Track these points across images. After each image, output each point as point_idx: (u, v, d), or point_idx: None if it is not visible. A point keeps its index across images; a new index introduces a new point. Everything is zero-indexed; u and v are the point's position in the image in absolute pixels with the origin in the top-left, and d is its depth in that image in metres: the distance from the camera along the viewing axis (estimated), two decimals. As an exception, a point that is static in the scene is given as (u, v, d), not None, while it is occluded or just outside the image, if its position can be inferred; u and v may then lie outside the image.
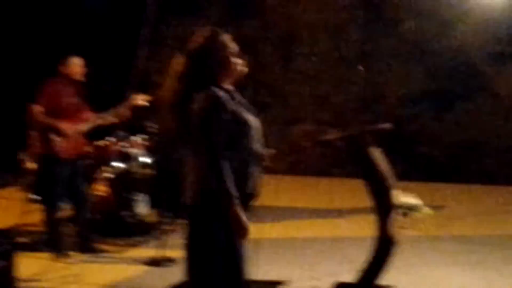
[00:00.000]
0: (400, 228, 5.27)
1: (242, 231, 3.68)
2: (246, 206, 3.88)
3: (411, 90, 12.46)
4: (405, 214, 5.35)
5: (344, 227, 8.41)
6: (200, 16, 12.58)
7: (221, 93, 3.75)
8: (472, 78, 12.30)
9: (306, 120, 12.46)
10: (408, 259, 6.48)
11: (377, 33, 12.60)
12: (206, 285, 3.83)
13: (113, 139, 7.90)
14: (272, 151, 4.06)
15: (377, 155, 5.43)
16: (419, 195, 8.53)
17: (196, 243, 3.83)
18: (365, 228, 8.05)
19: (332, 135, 5.76)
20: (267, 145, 4.01)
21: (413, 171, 11.27)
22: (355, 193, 10.29)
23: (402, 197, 5.41)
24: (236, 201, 3.64)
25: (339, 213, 9.15)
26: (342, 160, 12.22)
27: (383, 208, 5.30)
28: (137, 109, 7.02)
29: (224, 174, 3.63)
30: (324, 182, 11.56)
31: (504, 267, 6.68)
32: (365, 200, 9.29)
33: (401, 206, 5.36)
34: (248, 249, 3.91)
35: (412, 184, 9.26)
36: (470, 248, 7.42)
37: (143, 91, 7.20)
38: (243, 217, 3.66)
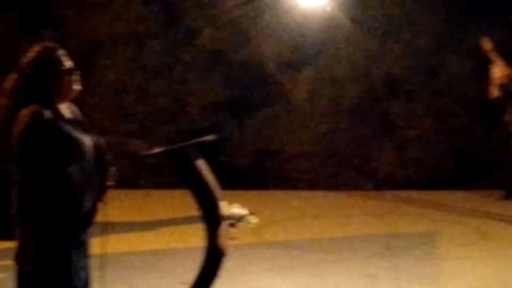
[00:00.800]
0: (228, 238, 5.30)
1: (25, 262, 3.52)
2: (83, 229, 3.80)
3: (212, 99, 12.61)
4: (232, 225, 5.38)
5: (162, 239, 8.36)
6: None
7: (46, 111, 3.60)
8: (269, 87, 12.64)
9: (109, 132, 12.27)
10: (231, 268, 6.53)
11: (177, 43, 12.65)
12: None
13: None
14: (114, 169, 3.97)
15: (203, 167, 5.46)
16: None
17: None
18: (182, 240, 8.10)
19: (157, 149, 5.69)
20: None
21: (217, 180, 11.35)
22: (167, 204, 10.36)
23: (229, 207, 5.43)
24: (28, 230, 3.48)
25: (156, 225, 9.08)
26: (148, 171, 12.20)
27: (212, 219, 5.32)
28: None
29: (26, 199, 3.48)
30: (133, 194, 11.42)
31: (320, 270, 6.93)
32: (180, 211, 9.41)
33: (229, 217, 5.38)
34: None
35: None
36: (287, 252, 7.65)
37: None
38: (31, 249, 3.50)
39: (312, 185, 12.27)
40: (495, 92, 8.60)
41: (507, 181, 10.89)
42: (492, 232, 8.57)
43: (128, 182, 12.08)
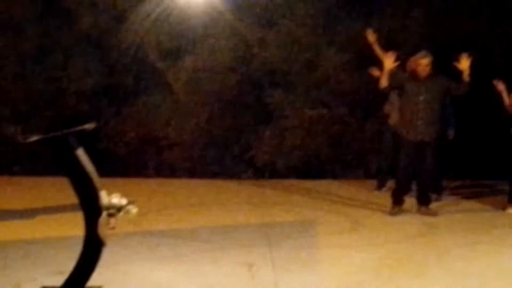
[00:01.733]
0: (108, 228, 5.27)
1: None
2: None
3: (90, 85, 12.44)
4: (111, 215, 5.34)
5: (40, 228, 8.16)
6: None
7: None
8: (149, 74, 12.58)
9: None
10: (110, 258, 6.48)
11: (54, 27, 12.39)
12: None
13: None
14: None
15: (82, 156, 5.40)
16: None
17: None
18: (61, 229, 7.95)
19: (35, 136, 5.57)
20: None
21: (96, 167, 11.16)
22: (44, 192, 10.14)
23: (109, 197, 5.39)
24: None
25: (33, 213, 8.86)
26: (22, 158, 11.93)
27: (92, 209, 5.27)
28: None
29: None
30: (8, 181, 11.14)
31: (199, 258, 6.93)
32: (58, 199, 9.23)
33: (108, 207, 5.33)
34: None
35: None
36: (166, 241, 7.62)
37: None
38: None
39: (192, 173, 12.32)
40: (385, 82, 8.86)
41: (379, 172, 11.24)
42: (366, 221, 8.84)
43: (2, 169, 11.81)
